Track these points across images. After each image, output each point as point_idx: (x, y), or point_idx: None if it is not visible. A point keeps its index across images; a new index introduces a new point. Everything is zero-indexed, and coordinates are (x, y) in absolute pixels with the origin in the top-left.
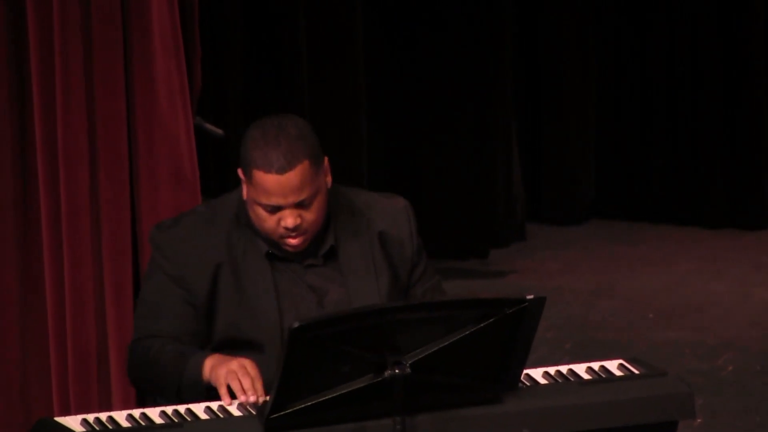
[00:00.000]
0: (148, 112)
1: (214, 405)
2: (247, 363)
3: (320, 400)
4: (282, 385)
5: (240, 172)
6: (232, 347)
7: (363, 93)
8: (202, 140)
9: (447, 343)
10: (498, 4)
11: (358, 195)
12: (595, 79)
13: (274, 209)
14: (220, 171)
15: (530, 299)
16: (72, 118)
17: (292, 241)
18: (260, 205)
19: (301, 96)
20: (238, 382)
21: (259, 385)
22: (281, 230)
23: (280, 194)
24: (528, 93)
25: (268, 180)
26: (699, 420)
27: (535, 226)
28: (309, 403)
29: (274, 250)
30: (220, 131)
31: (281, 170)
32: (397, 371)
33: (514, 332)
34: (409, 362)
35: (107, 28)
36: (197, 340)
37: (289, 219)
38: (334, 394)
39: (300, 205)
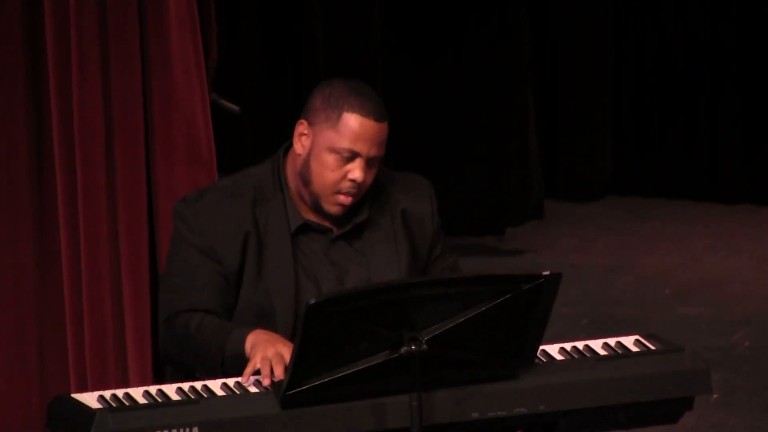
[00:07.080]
0: (164, 88)
1: (231, 381)
2: (286, 352)
3: (337, 376)
4: (299, 361)
5: (304, 124)
6: (247, 322)
7: (380, 72)
8: (217, 117)
9: (464, 319)
10: None
11: (382, 173)
12: (612, 55)
13: (351, 157)
14: (236, 148)
15: (546, 275)
16: (88, 95)
17: (345, 199)
18: (337, 151)
19: (317, 74)
20: (269, 369)
21: None
22: (345, 183)
23: (368, 141)
24: (544, 70)
25: (365, 124)
26: (715, 395)
27: (551, 203)
28: (326, 380)
29: (313, 217)
30: (236, 107)
31: (380, 118)
32: (413, 347)
33: (531, 308)
34: (426, 338)
35: (122, 5)
36: (230, 311)
37: (358, 171)
38: (351, 371)
39: (371, 162)
